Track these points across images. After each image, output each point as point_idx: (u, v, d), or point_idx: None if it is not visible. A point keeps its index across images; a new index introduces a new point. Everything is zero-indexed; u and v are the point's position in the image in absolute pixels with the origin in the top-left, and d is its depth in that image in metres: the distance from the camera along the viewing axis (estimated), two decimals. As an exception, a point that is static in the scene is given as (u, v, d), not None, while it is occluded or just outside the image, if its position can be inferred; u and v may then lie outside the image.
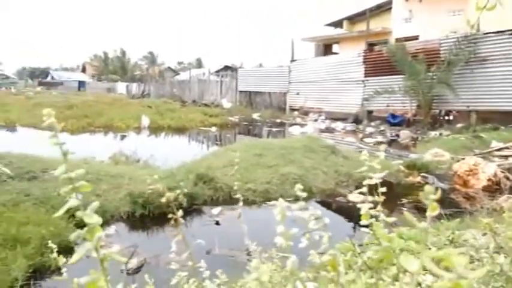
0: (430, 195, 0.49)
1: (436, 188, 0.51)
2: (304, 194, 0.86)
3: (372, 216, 1.02)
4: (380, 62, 17.45)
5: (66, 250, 3.75)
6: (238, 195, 1.06)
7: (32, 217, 3.91)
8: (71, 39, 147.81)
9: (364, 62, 18.23)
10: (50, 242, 1.46)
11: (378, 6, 23.67)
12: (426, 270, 0.57)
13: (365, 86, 18.10)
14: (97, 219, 0.52)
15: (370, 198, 1.02)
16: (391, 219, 1.06)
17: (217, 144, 12.72)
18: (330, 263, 0.85)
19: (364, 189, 0.97)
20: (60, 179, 0.54)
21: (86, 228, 0.53)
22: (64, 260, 1.23)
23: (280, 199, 0.72)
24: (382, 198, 1.01)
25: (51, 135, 0.54)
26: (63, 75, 63.09)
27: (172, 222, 0.84)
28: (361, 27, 23.38)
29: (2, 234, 3.36)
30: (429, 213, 0.51)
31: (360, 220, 0.99)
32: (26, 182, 5.05)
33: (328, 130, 16.41)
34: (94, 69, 68.36)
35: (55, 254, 1.28)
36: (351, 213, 4.74)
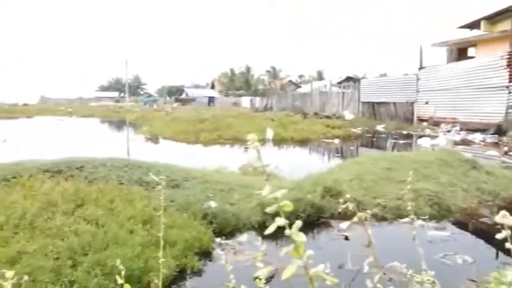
0: None
1: None
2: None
3: None
4: (530, 65, 15.28)
5: (205, 254, 4.08)
6: (412, 216, 1.01)
7: (177, 221, 4.31)
8: (202, 58, 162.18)
9: (508, 65, 16.14)
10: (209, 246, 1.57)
11: (525, 1, 20.80)
12: None
13: (510, 92, 15.98)
14: (302, 238, 0.55)
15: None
16: None
17: (340, 156, 12.51)
18: None
19: None
20: (266, 198, 0.58)
21: (292, 246, 0.55)
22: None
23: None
24: None
25: (254, 158, 0.59)
26: (195, 92, 69.74)
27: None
28: (504, 26, 20.75)
29: (154, 236, 3.78)
30: None
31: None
32: (170, 189, 5.63)
33: (464, 142, 14.87)
34: (222, 86, 73.82)
35: (223, 258, 1.39)
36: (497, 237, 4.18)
